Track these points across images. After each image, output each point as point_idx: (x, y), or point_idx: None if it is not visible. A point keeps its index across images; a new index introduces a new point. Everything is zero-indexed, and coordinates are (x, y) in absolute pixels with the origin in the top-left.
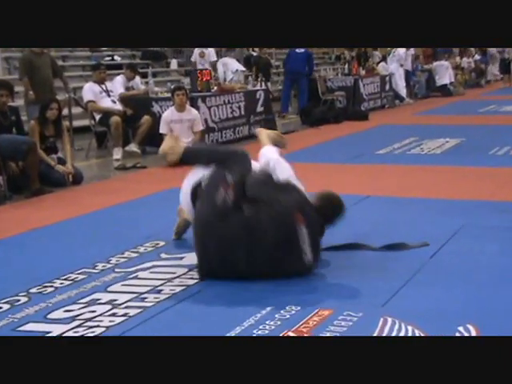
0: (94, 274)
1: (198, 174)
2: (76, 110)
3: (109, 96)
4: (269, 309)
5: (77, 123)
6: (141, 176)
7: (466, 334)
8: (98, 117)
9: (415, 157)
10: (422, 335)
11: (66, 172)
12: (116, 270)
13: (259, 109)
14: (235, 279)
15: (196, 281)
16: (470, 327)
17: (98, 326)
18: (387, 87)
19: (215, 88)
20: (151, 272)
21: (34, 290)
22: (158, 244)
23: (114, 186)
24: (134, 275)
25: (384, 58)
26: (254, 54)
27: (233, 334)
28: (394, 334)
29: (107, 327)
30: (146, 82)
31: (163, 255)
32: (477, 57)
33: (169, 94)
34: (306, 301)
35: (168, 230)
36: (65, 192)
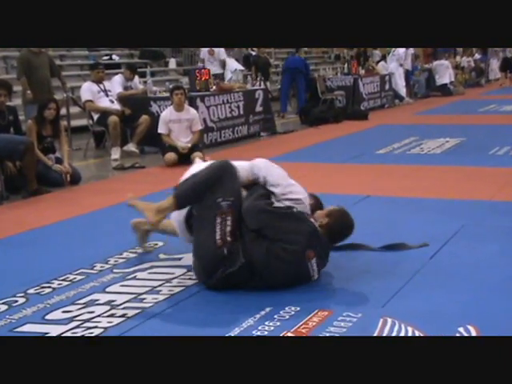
0: (92, 274)
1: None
2: (74, 109)
3: (107, 96)
4: (268, 309)
5: (75, 123)
6: (139, 176)
7: (466, 335)
8: (96, 116)
9: (415, 157)
10: (422, 336)
11: (64, 171)
12: (114, 270)
13: (258, 108)
14: None
15: (194, 281)
16: (470, 328)
17: (96, 327)
18: (387, 87)
19: (214, 87)
20: (150, 273)
21: (31, 291)
22: (156, 244)
23: (112, 186)
24: (133, 276)
25: (384, 58)
26: (253, 53)
27: (232, 335)
28: (393, 335)
29: (105, 328)
30: (145, 82)
31: (162, 256)
32: (477, 56)
33: (167, 94)
34: (305, 302)
35: None
36: (62, 192)
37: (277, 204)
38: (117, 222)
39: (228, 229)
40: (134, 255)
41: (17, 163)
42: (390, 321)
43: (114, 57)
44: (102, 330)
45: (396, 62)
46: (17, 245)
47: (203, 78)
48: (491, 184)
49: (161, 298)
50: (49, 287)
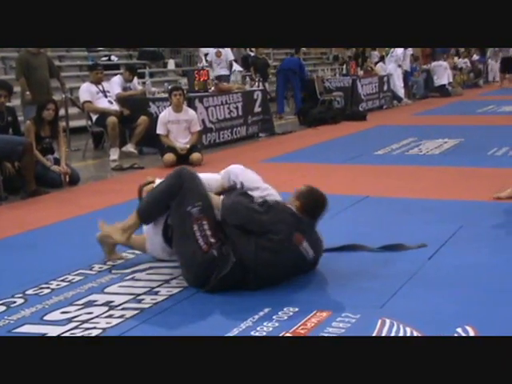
0: (91, 275)
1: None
2: (73, 110)
3: (106, 96)
4: (266, 310)
5: (73, 124)
6: (138, 177)
7: (465, 335)
8: (94, 117)
9: (413, 157)
10: (421, 336)
11: (62, 172)
12: (113, 271)
13: (257, 109)
14: None
15: None
16: (469, 328)
17: (94, 328)
18: (385, 87)
19: (212, 88)
20: (148, 273)
21: (30, 292)
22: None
23: (111, 187)
24: (131, 276)
25: (382, 59)
26: (252, 54)
27: (230, 336)
28: (392, 335)
29: (104, 329)
30: (143, 83)
31: None
32: (475, 57)
33: (166, 95)
34: (303, 302)
35: None
36: (61, 193)
37: (256, 200)
38: (115, 222)
39: (208, 232)
40: (132, 256)
41: (15, 164)
42: (388, 321)
43: (112, 58)
44: (100, 330)
45: (394, 63)
46: (15, 245)
47: (202, 79)
48: (490, 184)
49: (159, 298)
50: (47, 288)
